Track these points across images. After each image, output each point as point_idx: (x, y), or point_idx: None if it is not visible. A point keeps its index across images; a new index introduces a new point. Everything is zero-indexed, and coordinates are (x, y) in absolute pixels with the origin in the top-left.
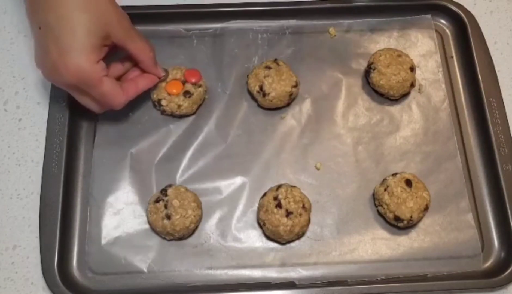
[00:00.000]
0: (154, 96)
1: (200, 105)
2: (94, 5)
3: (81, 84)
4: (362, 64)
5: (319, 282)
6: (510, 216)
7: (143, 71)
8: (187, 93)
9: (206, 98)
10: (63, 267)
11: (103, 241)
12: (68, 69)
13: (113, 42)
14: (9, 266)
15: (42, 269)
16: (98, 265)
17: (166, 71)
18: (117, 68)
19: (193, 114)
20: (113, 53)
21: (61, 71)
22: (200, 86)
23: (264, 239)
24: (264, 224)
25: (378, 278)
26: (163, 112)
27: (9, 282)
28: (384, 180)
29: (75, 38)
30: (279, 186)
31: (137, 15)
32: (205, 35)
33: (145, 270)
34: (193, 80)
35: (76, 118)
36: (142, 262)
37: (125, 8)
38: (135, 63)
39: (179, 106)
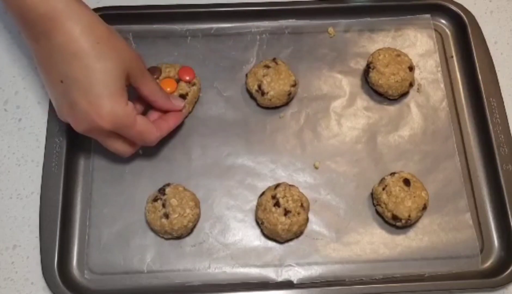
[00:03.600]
0: None
1: (195, 104)
2: (114, 49)
3: (117, 129)
4: (361, 64)
5: (317, 281)
6: (510, 216)
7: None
8: (182, 96)
9: (200, 96)
10: (63, 267)
11: (103, 241)
12: (102, 117)
13: (129, 83)
14: (9, 266)
15: (42, 269)
16: (97, 265)
17: (159, 68)
18: (137, 107)
19: (189, 113)
20: None
21: (94, 120)
22: (194, 84)
23: (262, 238)
24: (263, 223)
25: (376, 278)
26: None
27: (9, 282)
28: (383, 179)
29: (104, 86)
30: (277, 185)
31: (134, 15)
32: (200, 34)
33: (144, 269)
34: (187, 78)
35: None
36: (140, 262)
37: (121, 8)
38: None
39: None
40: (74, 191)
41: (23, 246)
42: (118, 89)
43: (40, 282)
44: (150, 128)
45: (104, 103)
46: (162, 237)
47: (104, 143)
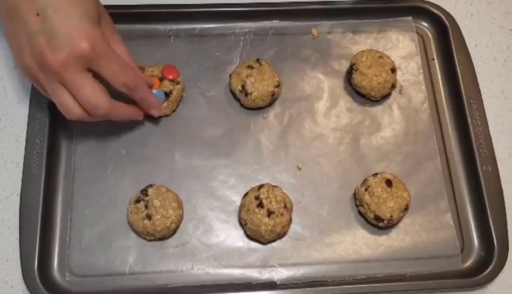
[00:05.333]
0: None
1: (178, 103)
2: None
3: (98, 53)
4: (344, 65)
5: (300, 282)
6: (489, 216)
7: None
8: (166, 95)
9: (184, 95)
10: (43, 269)
11: (84, 243)
12: (84, 38)
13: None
14: None
15: (22, 271)
16: (78, 267)
17: (143, 68)
18: None
19: (173, 112)
20: None
21: (76, 42)
22: (178, 83)
23: (245, 239)
24: (246, 224)
25: (359, 278)
26: None
27: None
28: (365, 180)
29: (84, 12)
30: (260, 186)
31: (116, 15)
32: (183, 34)
33: (126, 271)
34: (171, 77)
35: (57, 118)
36: (123, 263)
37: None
38: None
39: None
40: (55, 192)
41: (3, 248)
42: (95, 21)
43: (20, 285)
44: (129, 67)
45: (85, 26)
46: (145, 239)
47: (74, 88)
